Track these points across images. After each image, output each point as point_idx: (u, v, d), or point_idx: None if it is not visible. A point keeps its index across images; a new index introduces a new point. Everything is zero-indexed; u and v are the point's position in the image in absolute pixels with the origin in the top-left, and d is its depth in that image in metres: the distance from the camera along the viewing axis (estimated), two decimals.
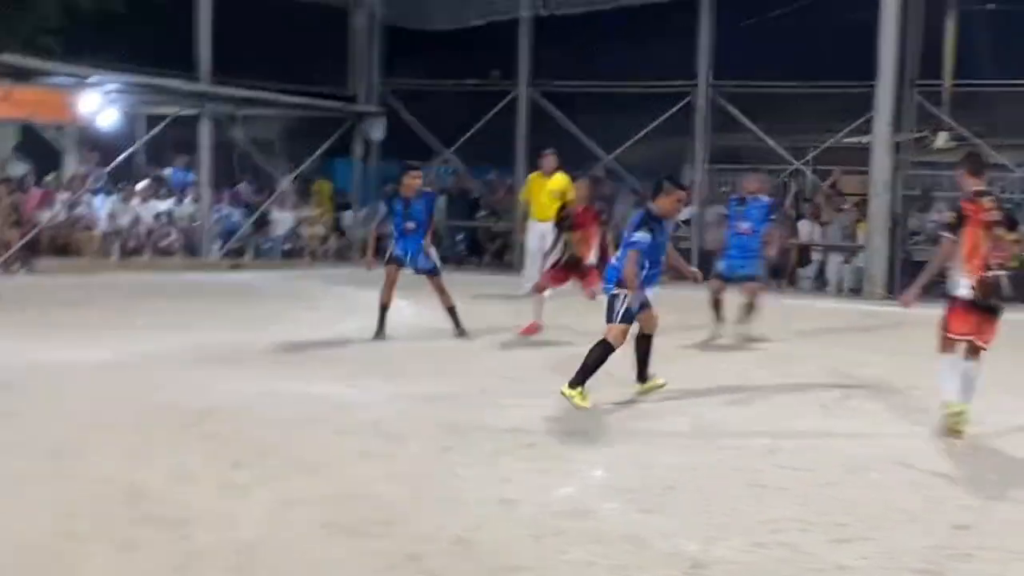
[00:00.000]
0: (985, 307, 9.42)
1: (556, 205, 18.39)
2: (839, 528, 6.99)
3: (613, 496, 7.62)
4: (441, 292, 14.14)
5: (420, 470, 8.21)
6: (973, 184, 9.62)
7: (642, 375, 10.85)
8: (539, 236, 18.52)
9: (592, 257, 14.01)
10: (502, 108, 23.74)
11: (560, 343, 13.76)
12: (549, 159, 18.67)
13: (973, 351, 9.48)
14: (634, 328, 10.57)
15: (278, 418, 9.56)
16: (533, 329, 14.21)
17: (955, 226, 9.48)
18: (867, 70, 21.51)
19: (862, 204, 21.27)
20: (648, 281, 10.48)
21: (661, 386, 10.79)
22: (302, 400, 10.33)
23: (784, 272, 20.74)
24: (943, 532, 6.98)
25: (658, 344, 10.94)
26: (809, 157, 21.00)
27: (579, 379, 10.12)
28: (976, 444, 9.34)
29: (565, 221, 14.26)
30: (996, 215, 9.45)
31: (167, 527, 6.69)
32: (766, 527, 7.00)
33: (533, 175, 18.94)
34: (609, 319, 10.33)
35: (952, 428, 9.38)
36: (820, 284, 20.63)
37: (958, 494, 7.82)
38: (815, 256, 20.79)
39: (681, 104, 21.71)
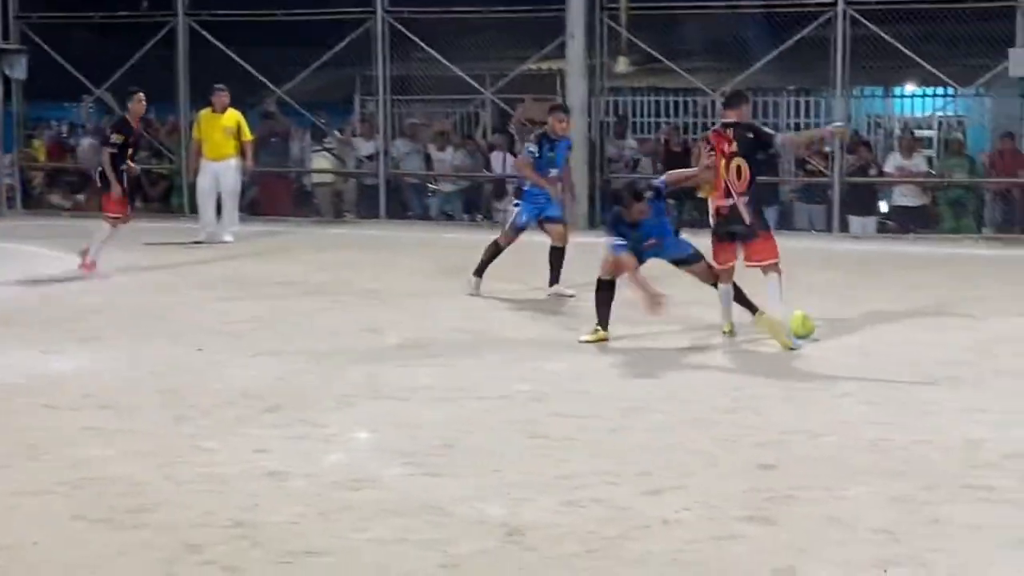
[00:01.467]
0: (727, 235, 10.31)
1: (231, 143, 17.72)
2: (645, 478, 6.75)
3: (390, 460, 7.16)
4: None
5: (159, 445, 7.51)
6: (725, 115, 10.51)
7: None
8: (213, 176, 17.85)
9: None
10: (159, 41, 22.50)
11: (271, 296, 13.13)
12: (222, 96, 17.90)
13: (763, 270, 10.28)
14: None
15: None
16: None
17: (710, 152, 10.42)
18: None
19: None
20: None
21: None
22: None
23: (479, 206, 20.58)
24: (751, 474, 6.85)
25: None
26: (499, 85, 20.76)
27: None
28: (750, 372, 9.34)
29: None
30: (734, 147, 10.17)
31: None
32: (568, 483, 6.69)
33: (204, 112, 18.06)
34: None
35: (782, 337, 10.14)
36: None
37: (748, 430, 7.71)
38: (511, 187, 20.62)
39: (358, 31, 21.08)
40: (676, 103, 22.96)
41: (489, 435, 7.71)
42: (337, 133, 22.32)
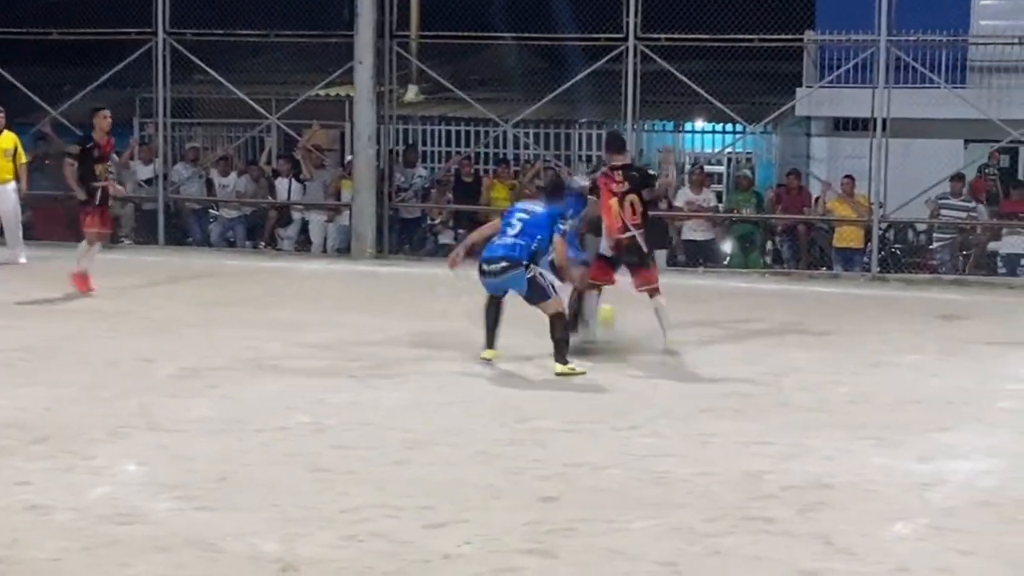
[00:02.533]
0: (627, 262, 11.62)
1: (9, 166, 17.26)
2: (427, 512, 6.75)
3: (160, 494, 7.03)
4: None
5: None
6: (612, 160, 11.86)
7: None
8: None
9: None
10: None
11: (43, 324, 12.75)
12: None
13: (651, 294, 11.67)
14: None
15: None
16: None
17: (595, 193, 11.68)
18: (336, 19, 21.50)
19: (341, 160, 21.28)
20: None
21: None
22: None
23: (263, 233, 20.34)
24: (534, 506, 6.91)
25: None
26: (285, 110, 20.55)
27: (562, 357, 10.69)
28: (536, 403, 9.41)
29: None
30: (626, 187, 11.50)
31: None
32: (348, 517, 6.65)
33: None
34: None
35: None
36: (303, 244, 20.38)
37: (533, 463, 7.78)
38: (296, 215, 20.49)
39: (138, 52, 20.69)
40: (467, 132, 23.10)
41: (267, 468, 7.61)
42: (115, 156, 21.81)
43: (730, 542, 6.40)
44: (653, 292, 11.74)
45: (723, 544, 6.36)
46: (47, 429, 8.41)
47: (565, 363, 10.61)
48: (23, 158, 17.79)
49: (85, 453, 7.85)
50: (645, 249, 11.69)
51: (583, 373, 10.61)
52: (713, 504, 7.03)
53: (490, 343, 11.02)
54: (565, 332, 10.80)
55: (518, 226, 10.92)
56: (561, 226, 11.15)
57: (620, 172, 11.70)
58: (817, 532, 6.56)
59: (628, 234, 11.57)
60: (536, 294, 10.78)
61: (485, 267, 10.85)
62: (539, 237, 10.86)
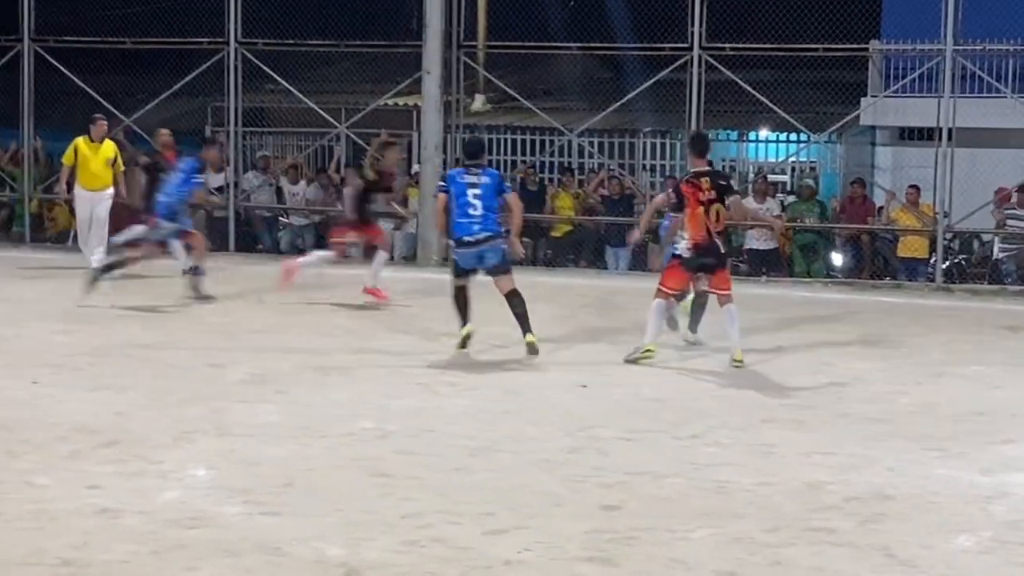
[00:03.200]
0: (698, 266, 11.56)
1: (109, 173, 17.49)
2: (488, 518, 6.75)
3: (228, 498, 7.07)
4: None
5: None
6: (695, 163, 11.72)
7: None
8: (90, 205, 17.51)
9: None
10: (2, 66, 22.04)
11: (113, 329, 12.87)
12: (102, 125, 17.74)
13: (722, 300, 11.57)
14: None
15: None
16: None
17: (679, 205, 11.65)
18: (405, 29, 21.59)
19: (406, 169, 21.33)
20: None
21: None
22: None
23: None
24: (595, 514, 6.88)
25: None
26: (355, 119, 20.67)
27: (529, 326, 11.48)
28: (598, 412, 9.38)
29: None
30: (711, 194, 11.44)
31: None
32: (410, 522, 6.66)
33: (81, 140, 17.68)
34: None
35: (639, 360, 11.35)
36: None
37: (595, 471, 7.76)
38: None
39: (211, 61, 20.87)
40: (532, 141, 23.14)
41: (331, 473, 7.64)
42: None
43: (791, 553, 6.35)
44: (724, 299, 11.59)
45: (784, 555, 6.31)
46: (116, 433, 8.49)
47: (533, 332, 11.47)
48: (121, 167, 18.01)
49: (153, 457, 7.91)
50: (723, 250, 11.72)
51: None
52: (774, 514, 6.98)
53: (465, 320, 11.66)
54: (523, 304, 11.55)
55: (477, 203, 11.58)
56: (508, 186, 11.89)
57: (707, 179, 11.57)
58: (879, 544, 6.50)
59: (709, 240, 11.50)
60: (504, 265, 11.67)
61: (467, 239, 11.57)
62: (495, 205, 11.69)
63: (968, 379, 11.23)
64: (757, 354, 11.90)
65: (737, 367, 11.30)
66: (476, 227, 11.57)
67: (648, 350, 11.43)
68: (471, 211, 11.62)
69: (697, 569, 6.07)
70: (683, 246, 11.60)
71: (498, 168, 23.41)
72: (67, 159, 17.70)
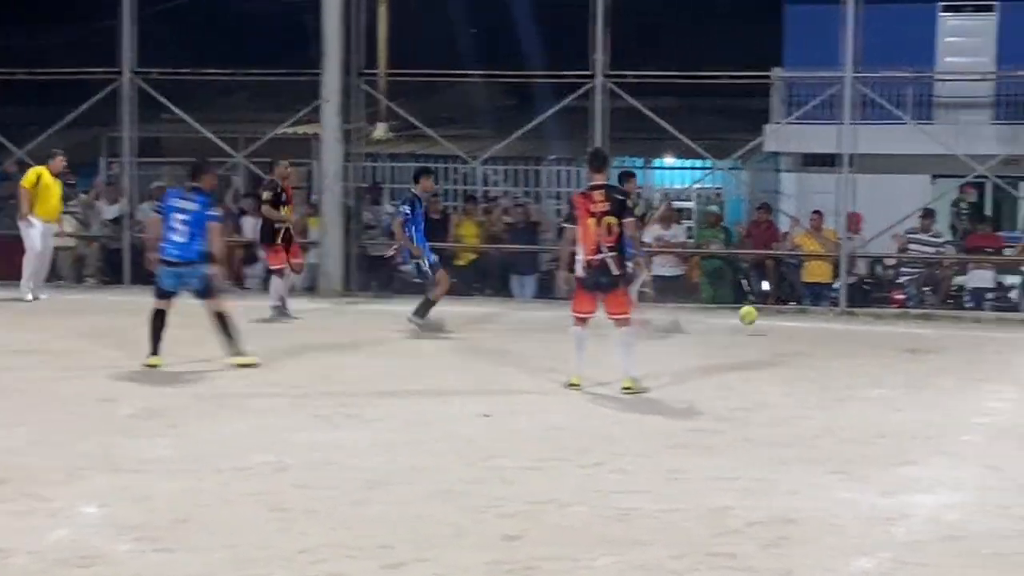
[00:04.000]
0: (594, 285, 11.33)
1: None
2: (387, 551, 6.68)
3: (119, 535, 6.94)
4: None
5: None
6: (593, 178, 11.66)
7: None
8: (46, 237, 18.02)
9: None
10: None
11: (3, 365, 12.64)
12: (60, 160, 18.18)
13: (617, 324, 11.37)
14: None
15: None
16: None
17: (571, 217, 11.62)
18: (303, 57, 21.49)
19: (308, 198, 21.24)
20: None
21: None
22: None
23: (229, 272, 20.25)
24: (497, 545, 6.84)
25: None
26: (252, 148, 20.52)
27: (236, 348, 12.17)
28: (501, 441, 9.34)
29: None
30: (605, 206, 11.28)
31: None
32: (307, 557, 6.58)
33: (43, 170, 17.78)
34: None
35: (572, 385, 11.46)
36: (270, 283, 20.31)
37: (497, 501, 7.71)
38: (262, 254, 20.41)
39: (104, 92, 20.62)
40: (436, 169, 23.08)
41: (226, 508, 7.54)
42: (82, 195, 21.77)
43: None
44: (619, 323, 11.39)
45: None
46: (5, 471, 8.30)
47: (242, 354, 12.18)
48: None
49: (43, 495, 7.75)
50: (616, 272, 11.31)
51: (256, 364, 12.15)
52: (679, 540, 6.98)
53: (155, 350, 12.23)
54: (230, 327, 12.18)
55: (183, 227, 12.17)
56: (215, 213, 12.48)
57: (601, 192, 11.43)
58: (781, 568, 6.52)
59: (600, 256, 11.27)
60: (210, 291, 12.28)
61: (170, 260, 12.22)
62: (201, 234, 12.21)
63: (871, 402, 11.35)
64: (663, 380, 11.93)
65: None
66: (177, 251, 12.20)
67: (572, 383, 11.50)
68: (175, 236, 12.21)
69: None
70: (578, 266, 11.43)
71: (401, 197, 23.51)
72: (28, 183, 17.60)
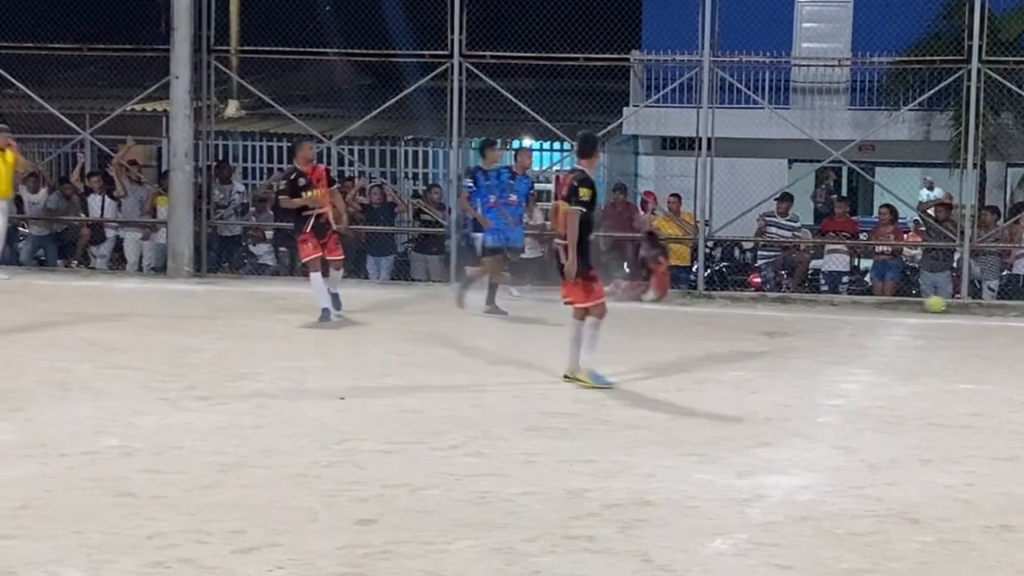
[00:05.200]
0: (558, 269, 11.29)
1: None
2: (238, 536, 6.61)
3: None
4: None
5: None
6: (579, 163, 11.45)
7: None
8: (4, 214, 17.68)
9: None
10: None
11: None
12: (6, 135, 17.96)
13: (574, 312, 11.31)
14: None
15: None
16: None
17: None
18: (153, 32, 21.18)
19: (158, 176, 20.93)
20: None
21: None
22: None
23: (75, 251, 19.90)
24: (350, 529, 6.80)
25: None
26: (99, 125, 20.12)
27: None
28: (354, 424, 9.29)
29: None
30: (565, 191, 11.21)
31: None
32: (155, 543, 6.48)
33: None
34: None
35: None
36: (118, 263, 20.02)
37: (351, 485, 7.68)
38: (110, 233, 20.12)
39: None
40: (289, 148, 22.88)
41: (71, 494, 7.38)
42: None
43: (550, 561, 6.38)
44: (575, 312, 11.34)
45: (543, 563, 6.34)
46: None
47: None
48: None
49: None
50: (564, 258, 11.12)
51: None
52: (534, 523, 7.01)
53: None
54: None
55: None
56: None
57: (573, 176, 11.30)
58: (637, 549, 6.59)
59: (559, 242, 11.33)
60: None
61: None
62: None
63: (727, 384, 11.52)
64: (517, 364, 11.99)
65: (495, 376, 11.40)
66: None
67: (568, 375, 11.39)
68: None
69: None
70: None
71: (254, 176, 23.27)
72: None
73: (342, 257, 14.96)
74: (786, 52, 23.03)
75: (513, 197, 15.86)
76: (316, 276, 14.37)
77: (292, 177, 14.67)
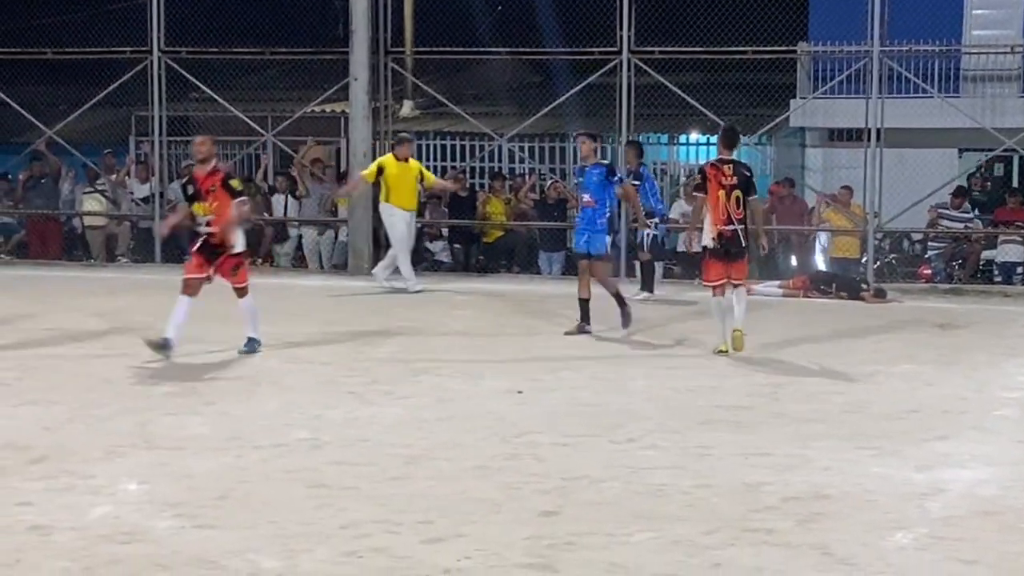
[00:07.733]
0: (724, 253, 12.20)
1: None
2: (426, 526, 6.74)
3: (160, 512, 7.01)
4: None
5: None
6: (722, 153, 12.52)
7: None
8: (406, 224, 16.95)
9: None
10: None
11: (39, 343, 12.72)
12: (407, 145, 17.08)
13: (734, 287, 12.31)
14: None
15: None
16: None
17: (702, 186, 12.33)
18: (331, 36, 21.55)
19: (337, 175, 21.27)
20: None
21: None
22: None
23: (259, 250, 20.32)
24: (534, 520, 6.89)
25: None
26: (281, 127, 20.57)
27: None
28: (532, 418, 9.37)
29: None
30: (734, 180, 12.18)
31: None
32: (348, 532, 6.64)
33: (388, 159, 16.98)
34: None
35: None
36: (301, 261, 20.44)
37: (532, 477, 7.77)
38: (292, 232, 20.54)
39: (134, 71, 20.65)
40: (462, 147, 23.15)
41: (265, 485, 7.60)
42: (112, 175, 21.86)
43: (730, 554, 6.39)
44: (740, 286, 12.35)
45: (723, 556, 6.35)
46: (45, 449, 8.40)
47: None
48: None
49: (84, 472, 7.83)
50: (744, 244, 12.29)
51: None
52: (712, 516, 7.02)
53: None
54: None
55: None
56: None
57: (730, 166, 12.31)
58: (817, 543, 6.55)
59: (731, 227, 12.18)
60: None
61: None
62: None
63: (900, 377, 11.35)
64: (692, 357, 11.99)
65: (671, 369, 11.42)
66: None
67: (721, 349, 12.17)
68: None
69: (637, 572, 6.09)
70: (707, 237, 12.27)
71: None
72: (369, 172, 17.09)
73: (244, 284, 12.07)
74: (956, 40, 22.52)
75: (586, 197, 13.50)
76: (182, 299, 11.73)
77: (183, 183, 12.72)
